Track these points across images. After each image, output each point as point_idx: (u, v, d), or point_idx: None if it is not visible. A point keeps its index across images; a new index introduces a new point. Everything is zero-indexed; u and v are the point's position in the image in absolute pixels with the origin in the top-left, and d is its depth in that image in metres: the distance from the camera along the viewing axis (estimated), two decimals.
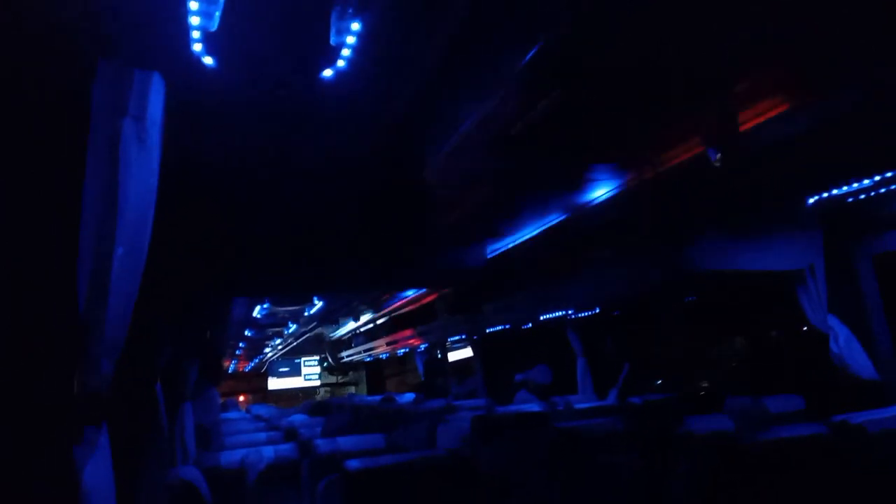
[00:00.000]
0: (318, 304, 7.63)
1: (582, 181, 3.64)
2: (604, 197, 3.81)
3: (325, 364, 19.39)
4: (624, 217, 3.99)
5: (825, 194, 3.58)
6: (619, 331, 6.54)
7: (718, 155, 2.56)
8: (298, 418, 7.06)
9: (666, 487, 2.95)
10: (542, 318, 6.29)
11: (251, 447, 4.51)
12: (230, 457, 4.15)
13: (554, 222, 4.39)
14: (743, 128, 2.63)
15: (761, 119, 2.64)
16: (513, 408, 5.78)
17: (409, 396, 9.70)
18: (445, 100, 2.50)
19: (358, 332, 12.35)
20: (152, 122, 1.48)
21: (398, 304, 8.39)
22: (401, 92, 2.32)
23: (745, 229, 3.80)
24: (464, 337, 9.00)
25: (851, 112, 2.60)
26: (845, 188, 3.49)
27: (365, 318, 9.90)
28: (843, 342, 4.03)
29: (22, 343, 1.37)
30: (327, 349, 16.66)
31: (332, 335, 13.87)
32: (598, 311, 5.76)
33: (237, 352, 14.28)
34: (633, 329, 6.44)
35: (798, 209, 3.78)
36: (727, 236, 3.79)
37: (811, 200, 3.67)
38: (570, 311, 5.94)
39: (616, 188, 3.68)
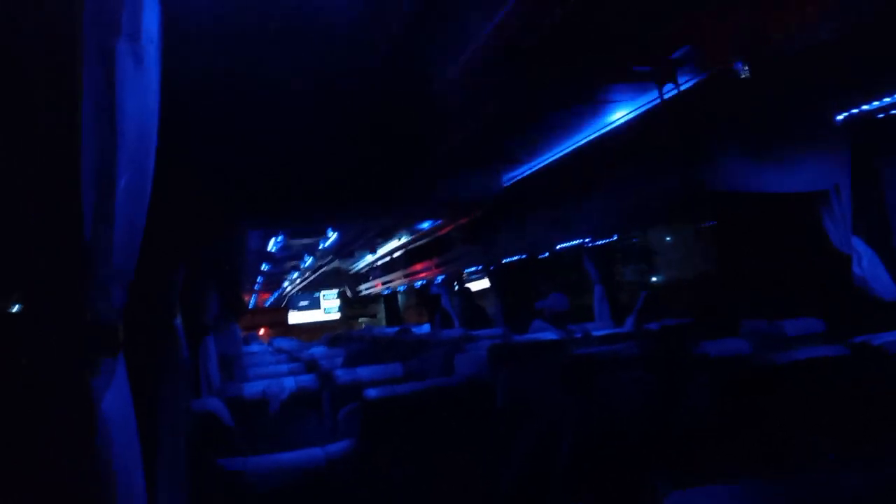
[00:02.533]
0: (333, 236, 7.63)
1: (600, 101, 3.51)
2: (623, 119, 3.68)
3: (345, 297, 19.69)
4: (643, 139, 3.87)
5: (855, 110, 3.42)
6: (636, 258, 6.50)
7: (745, 67, 2.42)
8: (319, 350, 7.20)
9: (679, 405, 2.96)
10: (558, 246, 6.25)
11: (273, 378, 4.61)
12: (252, 388, 4.24)
13: (571, 147, 4.27)
14: (771, 35, 2.48)
15: (790, 27, 2.48)
16: (530, 336, 5.83)
17: (426, 328, 9.84)
18: (452, 10, 2.37)
19: (375, 265, 12.44)
20: (148, 40, 1.40)
21: (414, 236, 8.38)
22: (401, 4, 2.20)
23: (770, 149, 3.67)
24: (480, 268, 9.03)
25: (886, 13, 2.42)
26: (876, 103, 3.33)
27: (382, 251, 9.94)
28: (867, 264, 3.95)
29: (29, 272, 1.34)
30: (346, 282, 16.87)
31: (349, 269, 14.00)
32: (615, 238, 5.70)
33: (256, 286, 14.50)
34: (651, 255, 6.39)
35: (825, 127, 3.64)
36: (750, 156, 3.66)
37: (840, 117, 3.52)
38: (587, 239, 5.88)
39: (636, 108, 3.54)
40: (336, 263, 12.42)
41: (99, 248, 1.38)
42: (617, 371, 3.45)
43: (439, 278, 10.65)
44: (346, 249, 9.75)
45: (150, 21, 1.42)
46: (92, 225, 1.38)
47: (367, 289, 15.33)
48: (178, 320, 2.91)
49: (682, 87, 3.14)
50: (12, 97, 1.41)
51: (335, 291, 20.64)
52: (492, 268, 8.55)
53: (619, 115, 3.71)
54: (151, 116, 1.46)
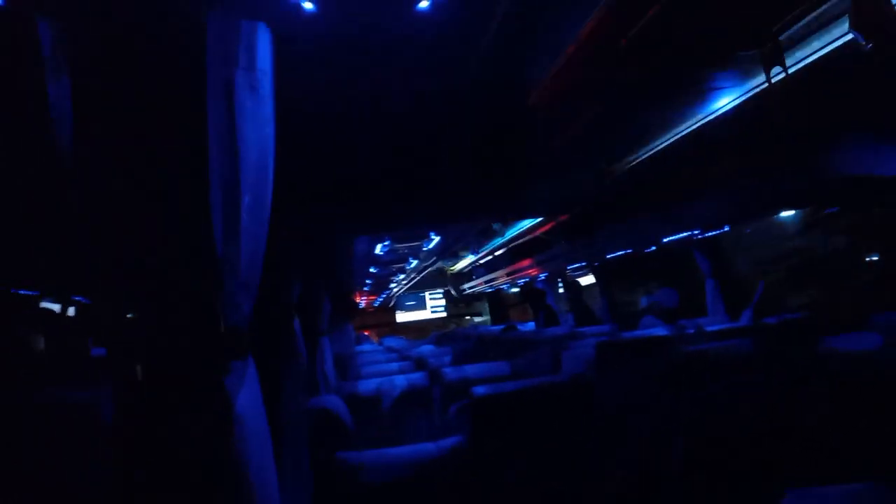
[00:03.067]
0: (435, 239, 7.80)
1: (705, 90, 3.37)
2: (730, 105, 3.52)
3: (449, 296, 19.97)
4: (754, 126, 3.67)
5: None
6: (750, 248, 6.17)
7: (868, 43, 2.25)
8: (427, 349, 7.38)
9: (799, 404, 2.80)
10: (665, 240, 6.05)
11: (385, 376, 4.79)
12: (366, 385, 4.44)
13: (675, 138, 4.13)
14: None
15: None
16: (638, 332, 5.69)
17: (530, 325, 9.82)
18: (547, 12, 2.37)
19: (478, 264, 12.54)
20: (262, 72, 1.53)
21: (515, 234, 8.38)
22: (496, 11, 2.24)
23: (891, 130, 3.37)
24: (584, 264, 8.89)
25: None
26: None
27: (484, 250, 10.02)
28: None
29: (168, 287, 1.51)
30: (449, 282, 17.11)
31: (452, 268, 14.20)
32: (727, 229, 5.44)
33: (365, 288, 15.00)
34: (767, 247, 6.04)
35: None
36: (874, 140, 3.38)
37: None
38: (696, 232, 5.65)
39: (743, 94, 3.38)
40: (440, 264, 12.64)
41: (228, 263, 1.53)
42: (732, 368, 3.32)
43: (542, 276, 10.58)
44: (449, 250, 9.91)
45: (264, 53, 1.55)
46: (222, 242, 1.53)
47: (470, 287, 15.47)
48: (297, 324, 3.12)
49: (794, 69, 2.97)
50: (147, 127, 1.59)
51: (440, 291, 20.99)
52: (596, 264, 8.41)
53: (726, 101, 3.54)
54: (268, 140, 1.60)
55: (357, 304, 16.34)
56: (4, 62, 1.87)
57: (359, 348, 8.70)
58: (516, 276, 10.98)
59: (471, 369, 4.37)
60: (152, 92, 1.49)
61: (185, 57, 1.48)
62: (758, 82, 3.25)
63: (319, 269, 4.19)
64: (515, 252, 9.95)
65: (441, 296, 21.34)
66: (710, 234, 5.66)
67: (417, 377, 4.63)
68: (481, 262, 11.86)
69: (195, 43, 1.45)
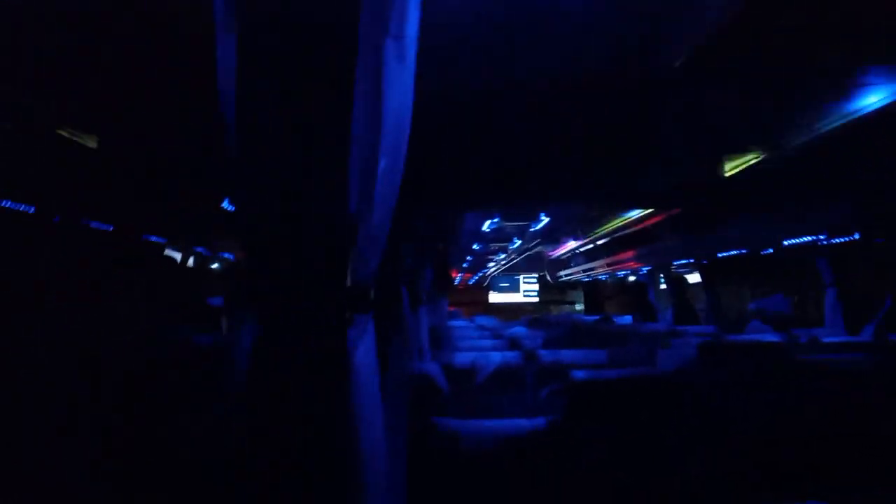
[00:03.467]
0: (545, 220, 7.76)
1: (851, 84, 3.15)
2: (878, 104, 3.26)
3: (544, 282, 19.85)
4: None
5: None
6: (881, 259, 5.73)
7: None
8: (520, 330, 7.41)
9: None
10: (786, 243, 5.73)
11: (479, 352, 4.88)
12: (462, 358, 4.54)
13: (810, 136, 3.88)
14: None
15: None
16: (746, 337, 5.46)
17: (626, 318, 9.61)
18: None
19: (577, 251, 12.38)
20: (410, 40, 1.59)
21: (622, 224, 8.19)
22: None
23: None
24: (691, 261, 8.57)
25: None
26: None
27: (587, 237, 9.87)
28: None
29: (306, 242, 1.62)
30: (546, 267, 16.99)
31: (552, 253, 14.08)
32: (857, 236, 5.07)
33: (464, 265, 15.19)
34: None
35: None
36: None
37: None
38: (821, 236, 5.31)
39: (893, 93, 3.12)
40: (540, 248, 12.57)
41: (361, 221, 1.63)
42: (846, 384, 3.14)
43: (644, 269, 10.31)
44: (553, 235, 9.84)
45: (412, 23, 1.61)
46: (357, 201, 1.62)
47: (566, 275, 15.31)
48: (404, 290, 3.24)
49: None
50: (298, 89, 1.69)
51: (535, 276, 20.90)
52: (704, 262, 8.09)
53: (873, 99, 3.29)
54: (407, 109, 1.67)
55: (454, 279, 16.58)
56: (183, 20, 2.06)
57: (452, 323, 8.85)
58: (616, 267, 10.77)
59: (567, 354, 4.38)
60: (308, 53, 1.60)
61: (339, 20, 1.57)
62: None
63: (428, 240, 4.30)
64: (618, 242, 9.73)
65: (535, 280, 21.26)
66: (836, 240, 5.30)
67: (512, 356, 4.68)
68: (582, 249, 11.69)
69: (350, 7, 1.53)
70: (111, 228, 5.29)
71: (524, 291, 21.58)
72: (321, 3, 1.68)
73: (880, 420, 2.85)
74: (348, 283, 1.70)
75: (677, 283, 9.60)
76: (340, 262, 1.63)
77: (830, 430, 2.88)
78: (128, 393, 3.06)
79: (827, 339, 4.62)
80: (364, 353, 1.76)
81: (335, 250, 1.62)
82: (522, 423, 2.79)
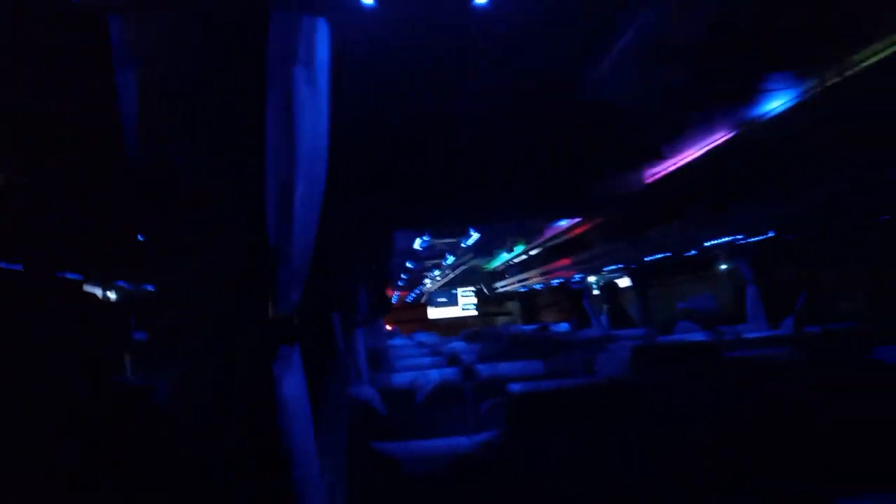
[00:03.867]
0: (475, 235, 7.83)
1: (754, 92, 3.31)
2: (779, 109, 3.44)
3: (481, 295, 19.97)
4: (805, 130, 3.59)
5: None
6: (795, 256, 6.03)
7: None
8: (459, 345, 7.40)
9: (845, 412, 2.74)
10: (707, 244, 5.95)
11: (417, 370, 4.82)
12: (400, 379, 4.47)
13: (721, 141, 4.06)
14: None
15: None
16: (675, 337, 5.61)
17: (563, 326, 9.76)
18: (600, 15, 2.37)
19: (511, 263, 12.52)
20: (320, 67, 1.56)
21: (552, 234, 8.35)
22: (550, 7, 2.24)
23: None
24: (621, 266, 8.80)
25: None
26: None
27: (519, 249, 10.00)
28: None
29: (224, 278, 1.55)
30: (482, 280, 17.11)
31: (486, 267, 14.20)
32: (771, 234, 5.32)
33: (400, 283, 15.12)
34: (813, 254, 5.88)
35: None
36: None
37: None
38: (738, 237, 5.55)
39: (794, 98, 3.30)
40: (474, 262, 12.66)
41: (280, 251, 1.57)
42: (773, 376, 3.25)
43: (577, 277, 10.51)
44: (485, 248, 9.93)
45: (322, 50, 1.58)
46: (275, 231, 1.57)
47: (503, 286, 15.45)
48: (336, 315, 3.17)
49: (849, 72, 2.90)
50: (207, 118, 1.63)
51: (472, 289, 21.00)
52: (633, 266, 8.32)
53: (776, 104, 3.47)
54: (322, 133, 1.63)
55: (390, 298, 16.47)
56: (78, 56, 1.95)
57: (391, 342, 8.76)
58: (550, 276, 10.93)
59: (504, 367, 4.38)
60: (214, 84, 1.54)
61: (246, 51, 1.52)
62: (810, 85, 3.19)
63: (359, 262, 4.24)
64: (551, 252, 9.90)
65: (473, 293, 21.36)
66: (752, 239, 5.55)
67: (450, 372, 4.65)
68: (515, 261, 11.83)
69: (257, 37, 1.49)
70: (20, 268, 4.95)
71: (462, 305, 21.64)
72: (226, 32, 1.63)
73: (806, 410, 2.96)
74: (270, 315, 1.64)
75: (610, 288, 9.83)
76: (259, 295, 1.57)
77: (763, 424, 2.97)
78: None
79: (751, 335, 4.80)
80: (290, 385, 1.69)
81: (254, 284, 1.56)
82: (462, 440, 2.76)
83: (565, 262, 9.57)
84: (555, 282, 11.69)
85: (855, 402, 2.73)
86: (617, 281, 10.50)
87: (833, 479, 2.28)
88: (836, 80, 2.93)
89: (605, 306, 9.65)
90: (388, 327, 14.51)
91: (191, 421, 1.60)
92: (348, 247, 3.30)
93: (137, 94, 1.53)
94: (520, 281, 13.20)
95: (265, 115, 1.54)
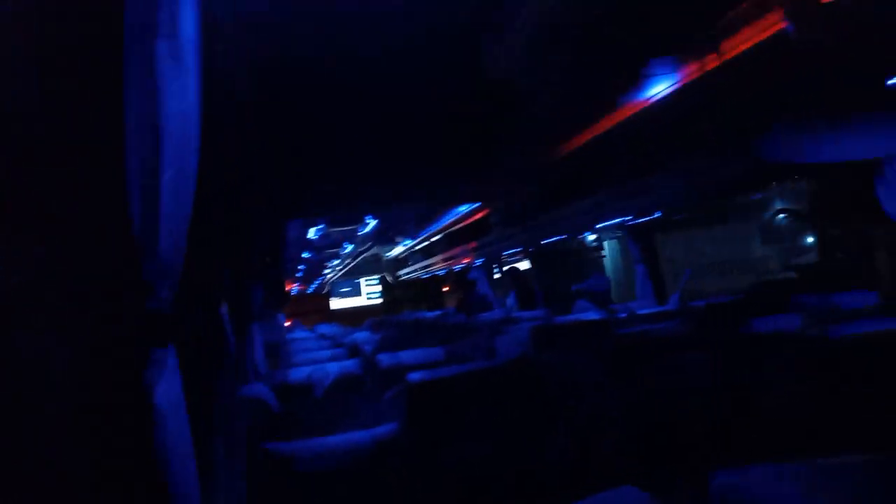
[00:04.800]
0: (371, 223, 7.72)
1: (638, 78, 3.42)
2: (663, 93, 3.58)
3: (385, 283, 19.86)
4: (687, 113, 3.76)
5: None
6: (680, 235, 6.37)
7: (796, 33, 2.32)
8: (362, 336, 7.28)
9: (727, 385, 2.91)
10: (599, 225, 6.16)
11: (317, 364, 4.68)
12: (297, 373, 4.33)
13: (610, 125, 4.18)
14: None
15: None
16: (572, 317, 5.78)
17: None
18: None
19: (414, 249, 12.51)
20: (186, 40, 1.42)
21: (453, 219, 8.39)
22: None
23: (821, 118, 3.52)
24: (520, 250, 8.99)
25: None
26: None
27: (421, 236, 9.98)
28: None
29: (80, 271, 1.39)
30: (385, 268, 17.01)
31: (388, 254, 14.11)
32: (658, 215, 5.58)
33: (298, 274, 14.73)
34: (696, 232, 6.25)
35: (878, 92, 3.47)
36: (802, 126, 3.52)
37: (892, 81, 3.36)
38: (628, 218, 5.78)
39: (676, 83, 3.44)
40: (376, 250, 12.54)
41: (147, 245, 1.42)
42: (663, 349, 3.40)
43: (479, 261, 10.64)
44: (385, 236, 9.83)
45: (187, 21, 1.44)
46: (140, 222, 1.42)
47: (406, 274, 15.44)
48: (224, 310, 2.99)
49: (729, 57, 3.04)
50: (57, 97, 1.45)
51: (376, 277, 20.86)
52: (531, 249, 8.51)
53: (660, 88, 3.61)
54: (192, 115, 1.49)
55: (289, 291, 16.01)
56: None
57: (290, 336, 8.51)
58: (452, 262, 11.01)
59: (406, 355, 4.33)
60: (62, 61, 1.36)
61: (100, 19, 1.36)
62: (692, 70, 3.32)
63: (249, 254, 4.05)
64: (452, 238, 9.96)
65: (377, 282, 21.22)
66: (641, 220, 5.80)
67: (351, 364, 4.55)
68: (417, 248, 11.83)
69: (112, 9, 1.33)
70: None
71: (367, 294, 21.45)
72: (76, 5, 1.45)
73: (699, 377, 3.12)
74: (138, 315, 1.49)
75: (512, 272, 10.01)
76: (123, 294, 1.42)
77: (658, 395, 3.10)
78: None
79: (640, 311, 5.02)
80: (166, 391, 1.55)
81: (114, 283, 1.41)
82: (360, 435, 2.68)
83: (466, 247, 9.66)
84: (457, 268, 11.79)
85: (734, 371, 2.89)
86: (518, 265, 10.73)
87: (718, 450, 2.40)
88: (715, 64, 3.08)
89: (510, 289, 9.83)
90: (288, 322, 14.11)
91: (50, 437, 1.43)
92: (235, 238, 3.12)
93: None
94: (424, 268, 13.23)
95: (122, 94, 1.38)
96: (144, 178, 1.42)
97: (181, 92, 1.48)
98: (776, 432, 2.27)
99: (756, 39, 2.78)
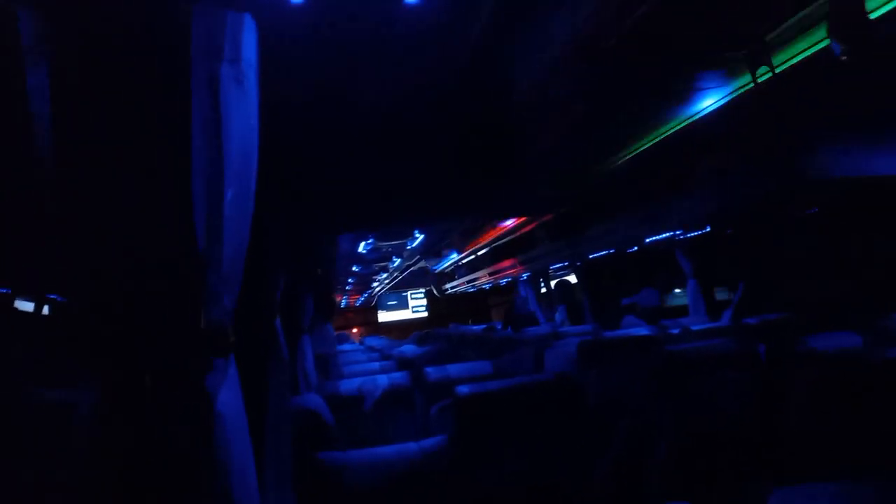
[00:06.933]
0: (420, 237, 7.79)
1: (688, 91, 3.39)
2: (713, 106, 3.54)
3: (431, 296, 19.96)
4: (736, 126, 3.70)
5: None
6: (732, 250, 6.22)
7: (843, 48, 2.28)
8: (409, 348, 7.34)
9: (782, 403, 2.83)
10: (647, 240, 6.09)
11: (366, 376, 4.76)
12: (348, 385, 4.40)
13: (659, 138, 4.15)
14: (872, 14, 2.32)
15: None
16: (621, 332, 5.71)
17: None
18: (537, 7, 2.36)
19: (460, 263, 12.54)
20: (248, 64, 1.50)
21: (498, 233, 8.39)
22: (485, 6, 2.23)
23: (873, 132, 3.42)
24: (566, 264, 8.92)
25: None
26: None
27: (467, 250, 10.01)
28: None
29: (148, 283, 1.47)
30: (432, 282, 17.10)
31: (435, 268, 14.19)
32: (708, 229, 5.48)
33: (347, 287, 14.95)
34: (749, 247, 6.09)
35: None
36: (853, 140, 3.43)
37: None
38: (677, 232, 5.69)
39: (726, 95, 3.40)
40: (423, 263, 12.62)
41: (210, 258, 1.50)
42: (714, 368, 3.33)
43: (524, 275, 10.60)
44: (432, 249, 9.90)
45: (249, 46, 1.52)
46: (204, 237, 1.50)
47: (452, 287, 15.48)
48: (278, 322, 3.08)
49: (778, 70, 3.00)
50: (128, 121, 1.55)
51: (422, 291, 20.99)
52: (578, 264, 8.44)
53: (710, 102, 3.57)
54: (252, 134, 1.57)
55: (338, 303, 16.25)
56: None
57: (340, 348, 8.64)
58: (498, 276, 11.00)
59: (453, 369, 4.36)
60: (134, 85, 1.46)
61: (169, 49, 1.45)
62: (742, 83, 3.28)
63: (302, 267, 4.15)
64: (498, 252, 9.96)
65: (423, 295, 21.34)
66: (691, 234, 5.70)
67: (399, 377, 4.60)
68: (464, 261, 11.86)
69: (180, 35, 1.42)
70: None
71: (413, 308, 21.60)
72: (148, 28, 1.55)
73: (748, 396, 3.05)
74: (202, 325, 1.56)
75: (561, 286, 9.95)
76: (189, 305, 1.50)
77: (709, 413, 3.04)
78: None
79: (693, 328, 4.92)
80: (227, 399, 1.62)
81: (182, 294, 1.49)
82: (410, 447, 2.72)
83: (512, 261, 9.64)
84: (503, 281, 11.77)
85: (792, 389, 2.81)
86: (568, 279, 10.65)
87: (776, 468, 2.34)
88: (768, 77, 3.03)
89: (561, 303, 9.75)
90: (347, 332, 14.26)
91: (117, 437, 1.52)
92: (290, 251, 3.22)
93: (51, 91, 1.44)
94: (469, 281, 13.24)
95: (190, 115, 1.47)
96: (209, 197, 1.50)
97: (243, 114, 1.56)
98: (833, 452, 2.20)
99: (806, 53, 2.74)
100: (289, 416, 2.73)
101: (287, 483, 2.49)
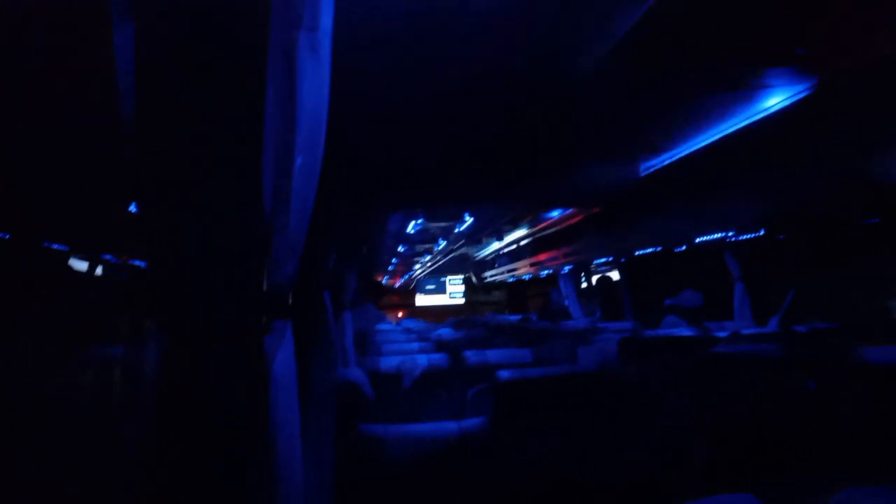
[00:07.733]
0: (469, 220, 7.80)
1: (752, 87, 3.30)
2: (778, 105, 3.44)
3: (469, 283, 20.01)
4: (802, 127, 3.60)
5: None
6: (784, 254, 6.06)
7: None
8: (447, 331, 7.41)
9: (830, 412, 2.77)
10: (698, 240, 5.98)
11: (405, 355, 4.83)
12: (388, 362, 4.48)
13: (716, 136, 4.06)
14: None
15: None
16: (662, 331, 5.65)
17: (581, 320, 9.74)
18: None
19: (501, 252, 12.53)
20: (324, 33, 1.53)
21: (543, 224, 8.34)
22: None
23: None
24: (610, 259, 8.83)
25: None
26: None
27: (509, 237, 10.00)
28: None
29: (218, 245, 1.52)
30: (471, 268, 17.13)
31: (476, 255, 14.20)
32: (762, 233, 5.35)
33: (390, 267, 15.09)
34: (802, 253, 5.92)
35: None
36: None
37: None
38: (730, 233, 5.57)
39: (794, 93, 3.30)
40: (464, 249, 12.65)
41: (277, 224, 1.55)
42: (760, 373, 3.28)
43: (566, 269, 10.53)
44: (476, 235, 9.92)
45: (326, 15, 1.55)
46: (272, 202, 1.54)
47: (491, 276, 15.47)
48: (327, 295, 3.15)
49: (843, 70, 2.90)
50: (205, 84, 1.60)
51: (461, 277, 21.06)
52: (623, 260, 8.34)
53: (774, 101, 3.47)
54: (323, 103, 1.60)
55: (380, 282, 16.43)
56: (74, 4, 1.91)
57: (378, 326, 8.76)
58: (539, 267, 10.95)
59: (493, 354, 4.39)
60: (214, 48, 1.50)
61: (248, 9, 1.49)
62: (810, 83, 3.18)
63: (352, 242, 4.22)
64: (541, 242, 9.91)
65: (461, 282, 21.41)
66: (743, 236, 5.58)
67: (438, 358, 4.65)
68: (505, 250, 11.84)
69: (261, 2, 1.46)
70: (7, 237, 4.89)
71: (450, 293, 21.70)
72: None
73: (798, 402, 2.99)
74: (265, 288, 1.62)
75: (602, 281, 9.85)
76: (255, 266, 1.55)
77: (752, 421, 3.00)
78: (35, 409, 2.84)
79: (745, 332, 4.83)
80: (282, 361, 1.67)
81: (249, 255, 1.54)
82: (450, 425, 2.77)
83: (554, 253, 9.59)
84: (543, 273, 11.71)
85: (843, 399, 2.76)
86: (609, 275, 10.54)
87: (823, 473, 2.31)
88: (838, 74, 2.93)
89: (599, 299, 9.68)
90: (393, 313, 14.39)
91: (176, 393, 1.58)
92: (342, 225, 3.28)
93: (133, 57, 1.49)
94: (509, 271, 13.22)
95: (265, 81, 1.51)
96: (279, 163, 1.54)
97: (316, 82, 1.59)
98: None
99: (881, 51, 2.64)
100: (334, 386, 2.80)
101: (328, 449, 2.56)
